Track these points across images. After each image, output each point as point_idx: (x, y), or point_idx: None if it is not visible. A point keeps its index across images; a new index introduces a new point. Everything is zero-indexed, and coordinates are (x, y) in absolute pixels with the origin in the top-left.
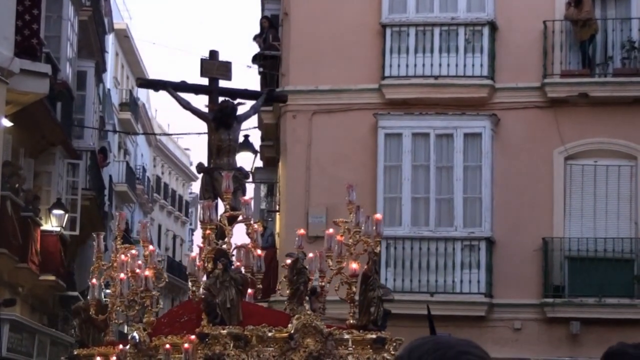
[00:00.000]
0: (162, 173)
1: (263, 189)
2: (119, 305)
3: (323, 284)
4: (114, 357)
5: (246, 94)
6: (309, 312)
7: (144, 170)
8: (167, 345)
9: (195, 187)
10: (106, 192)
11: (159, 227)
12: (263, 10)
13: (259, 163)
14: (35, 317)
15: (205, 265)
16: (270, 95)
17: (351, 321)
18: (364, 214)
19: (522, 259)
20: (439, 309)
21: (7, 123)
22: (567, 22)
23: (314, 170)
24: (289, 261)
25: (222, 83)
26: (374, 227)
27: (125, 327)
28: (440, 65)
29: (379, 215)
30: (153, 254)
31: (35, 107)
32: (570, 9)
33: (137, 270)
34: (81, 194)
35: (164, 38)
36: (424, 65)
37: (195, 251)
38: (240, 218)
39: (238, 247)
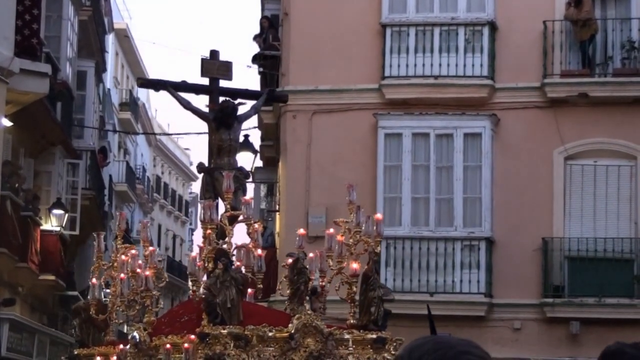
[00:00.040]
0: (162, 173)
1: (263, 189)
2: (119, 305)
3: (323, 283)
4: (115, 357)
5: (247, 94)
6: (309, 312)
7: (144, 170)
8: (168, 345)
9: (195, 187)
10: (106, 191)
11: (159, 227)
12: (263, 10)
13: (259, 163)
14: (35, 317)
15: (206, 265)
16: (271, 95)
17: (351, 321)
18: (365, 214)
19: (522, 259)
20: (439, 309)
21: (7, 123)
22: (567, 22)
23: (313, 170)
24: (289, 261)
25: (223, 83)
26: (375, 227)
27: (125, 327)
28: (440, 65)
29: (379, 215)
30: (153, 254)
31: (35, 107)
32: (570, 9)
33: (138, 270)
34: (81, 194)
35: (164, 38)
36: (424, 65)
37: (196, 251)
38: (240, 218)
39: (238, 247)
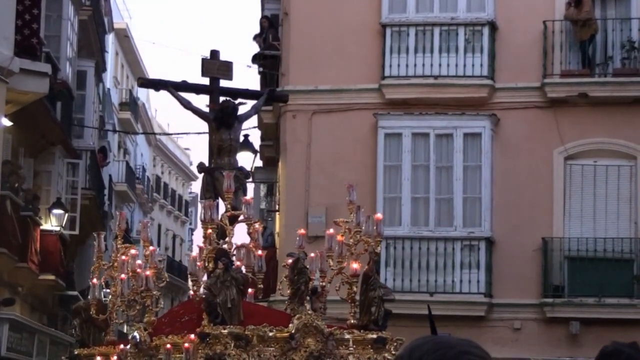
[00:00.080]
0: (162, 173)
1: (263, 189)
2: (119, 305)
3: (324, 283)
4: (115, 357)
5: (247, 94)
6: (309, 312)
7: (144, 169)
8: (168, 345)
9: (195, 186)
10: (106, 191)
11: (159, 226)
12: (263, 10)
13: (259, 163)
14: (34, 317)
15: (206, 265)
16: (272, 95)
17: (352, 321)
18: (365, 214)
19: (522, 259)
20: (439, 308)
21: (6, 122)
22: (567, 22)
23: (313, 170)
24: (289, 261)
25: (223, 83)
26: (375, 227)
27: (126, 327)
28: (440, 65)
29: (379, 215)
30: (154, 254)
31: (35, 107)
32: (570, 9)
33: (138, 270)
34: (81, 194)
35: (164, 38)
36: (423, 65)
37: (196, 251)
38: (241, 218)
39: (239, 247)
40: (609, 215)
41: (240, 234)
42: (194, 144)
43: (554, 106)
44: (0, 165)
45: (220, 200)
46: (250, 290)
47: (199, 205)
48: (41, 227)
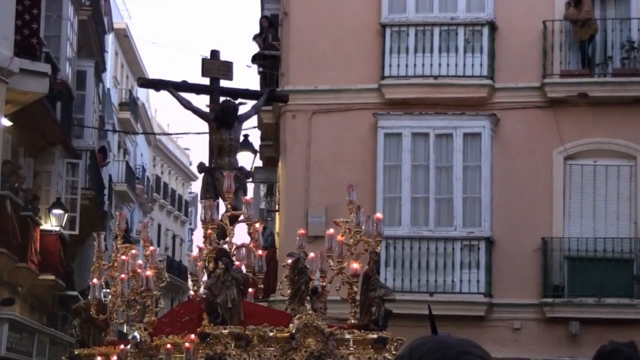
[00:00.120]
0: (162, 173)
1: (263, 189)
2: (119, 305)
3: (324, 283)
4: (115, 357)
5: (247, 94)
6: (310, 312)
7: (144, 169)
8: (168, 345)
9: (195, 186)
10: (106, 191)
11: (159, 226)
12: (263, 10)
13: (259, 163)
14: (34, 317)
15: (207, 265)
16: (272, 95)
17: (352, 321)
18: (364, 214)
19: (522, 258)
20: (439, 308)
21: (6, 122)
22: (566, 22)
23: (313, 170)
24: (290, 261)
25: (223, 83)
26: (375, 227)
27: (126, 327)
28: (439, 65)
29: (379, 215)
30: (154, 254)
31: (34, 107)
32: (569, 9)
33: (138, 270)
34: (81, 194)
35: (164, 38)
36: (423, 65)
37: (196, 251)
38: (241, 218)
39: (239, 247)
40: (608, 215)
41: (240, 234)
42: (193, 144)
43: (554, 106)
44: (0, 165)
45: (220, 200)
46: (250, 290)
47: (199, 205)
48: (41, 227)
